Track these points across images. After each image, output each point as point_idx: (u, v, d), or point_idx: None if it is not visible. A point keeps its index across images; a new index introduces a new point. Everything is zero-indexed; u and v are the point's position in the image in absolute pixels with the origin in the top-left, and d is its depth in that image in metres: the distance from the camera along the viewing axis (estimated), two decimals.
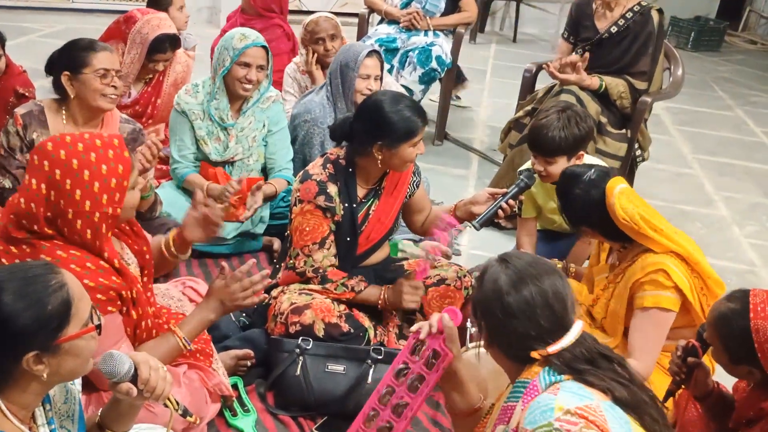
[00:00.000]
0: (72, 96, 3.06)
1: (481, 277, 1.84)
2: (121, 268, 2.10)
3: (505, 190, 2.97)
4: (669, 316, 2.51)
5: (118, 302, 2.10)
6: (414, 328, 2.04)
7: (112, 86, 3.06)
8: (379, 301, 2.90)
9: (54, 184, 1.97)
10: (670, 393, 2.26)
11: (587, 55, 4.06)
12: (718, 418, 2.19)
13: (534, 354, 1.73)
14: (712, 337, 2.06)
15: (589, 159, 3.27)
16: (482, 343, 1.86)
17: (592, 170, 2.62)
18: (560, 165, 3.09)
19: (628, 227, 2.49)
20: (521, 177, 3.02)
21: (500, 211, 2.91)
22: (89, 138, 2.02)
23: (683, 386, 2.23)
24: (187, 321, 2.33)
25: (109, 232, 2.06)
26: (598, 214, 2.53)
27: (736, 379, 2.23)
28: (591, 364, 1.71)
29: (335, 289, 2.88)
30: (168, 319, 2.39)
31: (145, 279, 2.30)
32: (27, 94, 3.49)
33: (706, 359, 2.22)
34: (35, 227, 2.00)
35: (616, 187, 2.52)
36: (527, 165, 3.33)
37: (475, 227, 2.91)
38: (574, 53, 4.34)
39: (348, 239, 2.95)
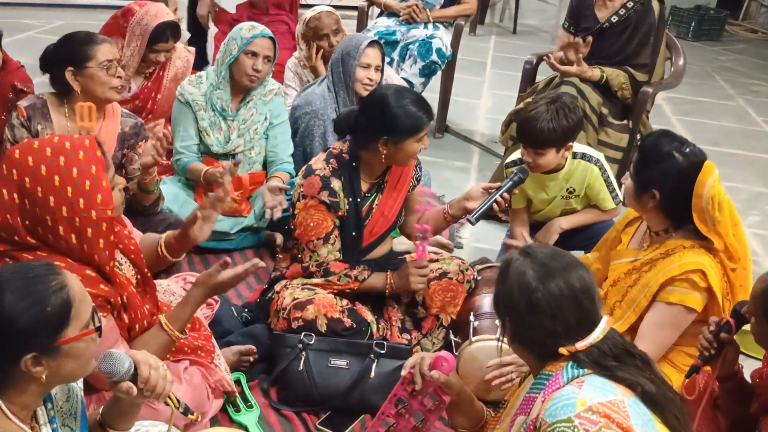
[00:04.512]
0: (78, 91, 3.04)
1: (505, 272, 1.76)
2: (111, 274, 2.06)
3: (499, 184, 2.97)
4: (690, 317, 2.49)
5: (108, 307, 2.07)
6: (405, 370, 1.99)
7: (118, 77, 3.06)
8: (387, 287, 2.90)
9: (26, 193, 1.92)
10: (695, 369, 2.20)
11: (590, 39, 4.03)
12: (736, 404, 2.17)
13: (562, 350, 1.68)
14: (755, 311, 2.00)
15: (579, 149, 3.26)
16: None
17: (690, 143, 2.54)
18: (549, 156, 3.08)
19: (705, 211, 2.42)
20: (515, 171, 3.02)
21: (495, 206, 2.91)
22: (58, 141, 1.96)
23: (710, 363, 2.17)
24: (176, 312, 2.27)
25: (101, 238, 1.99)
26: (679, 184, 2.45)
27: (752, 369, 2.23)
28: (618, 360, 1.67)
29: (339, 281, 2.88)
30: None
31: (138, 277, 2.27)
32: (25, 89, 3.47)
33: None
34: (16, 238, 1.95)
35: (716, 169, 2.44)
36: (512, 157, 3.32)
37: (470, 222, 2.91)
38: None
39: (353, 234, 2.95)
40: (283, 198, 3.44)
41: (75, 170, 1.93)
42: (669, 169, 2.48)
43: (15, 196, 1.93)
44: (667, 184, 2.48)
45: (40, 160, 1.92)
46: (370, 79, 3.61)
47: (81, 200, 1.93)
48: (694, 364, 2.20)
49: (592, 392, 1.58)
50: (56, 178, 1.92)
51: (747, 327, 2.13)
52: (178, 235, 2.48)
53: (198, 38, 5.47)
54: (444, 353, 1.95)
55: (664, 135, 2.58)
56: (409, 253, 3.25)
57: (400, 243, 3.49)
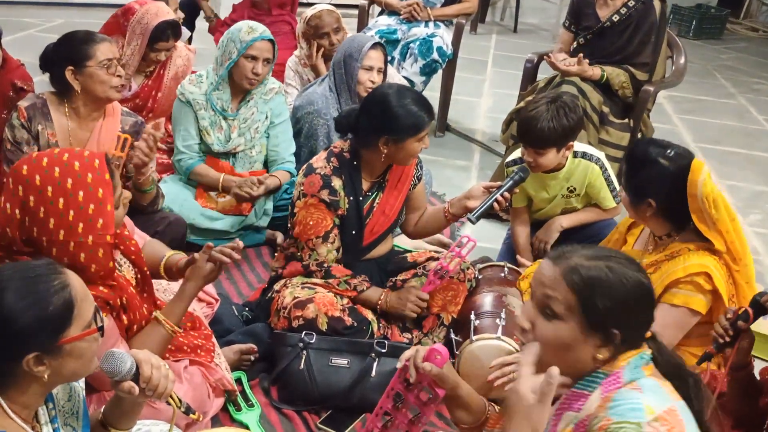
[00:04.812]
0: (78, 90, 3.04)
1: (599, 284, 1.60)
2: (104, 285, 2.05)
3: (500, 183, 2.97)
4: (694, 319, 2.48)
5: (107, 308, 2.07)
6: (400, 362, 1.96)
7: (118, 76, 3.05)
8: (379, 303, 2.91)
9: (28, 211, 1.91)
10: (707, 356, 2.19)
11: (584, 60, 4.03)
12: (743, 399, 2.17)
13: (650, 334, 1.65)
14: None
15: (580, 148, 3.26)
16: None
17: (674, 146, 2.54)
18: (550, 156, 3.08)
19: (702, 210, 2.41)
20: (516, 170, 3.02)
21: (496, 204, 2.91)
22: (68, 159, 1.94)
23: (723, 351, 2.17)
24: (171, 307, 2.28)
25: (93, 263, 1.97)
26: (672, 189, 2.45)
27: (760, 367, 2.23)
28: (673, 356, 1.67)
29: (338, 285, 2.88)
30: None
31: (138, 276, 2.26)
32: (26, 87, 3.46)
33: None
34: (14, 248, 1.96)
35: (704, 166, 2.43)
36: (513, 156, 3.32)
37: (471, 221, 2.91)
38: (575, 42, 4.32)
39: (354, 232, 2.95)
40: (259, 190, 3.46)
41: (81, 193, 1.92)
42: (658, 176, 2.49)
43: (17, 211, 1.92)
44: (660, 191, 2.49)
45: (48, 180, 1.91)
46: (372, 82, 3.60)
47: (80, 225, 1.92)
48: (707, 351, 2.20)
49: (654, 399, 1.56)
50: (61, 200, 1.91)
51: (751, 327, 2.13)
52: (179, 272, 2.44)
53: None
54: (438, 346, 1.91)
55: (648, 143, 2.59)
56: (410, 252, 3.24)
57: (400, 242, 3.49)
